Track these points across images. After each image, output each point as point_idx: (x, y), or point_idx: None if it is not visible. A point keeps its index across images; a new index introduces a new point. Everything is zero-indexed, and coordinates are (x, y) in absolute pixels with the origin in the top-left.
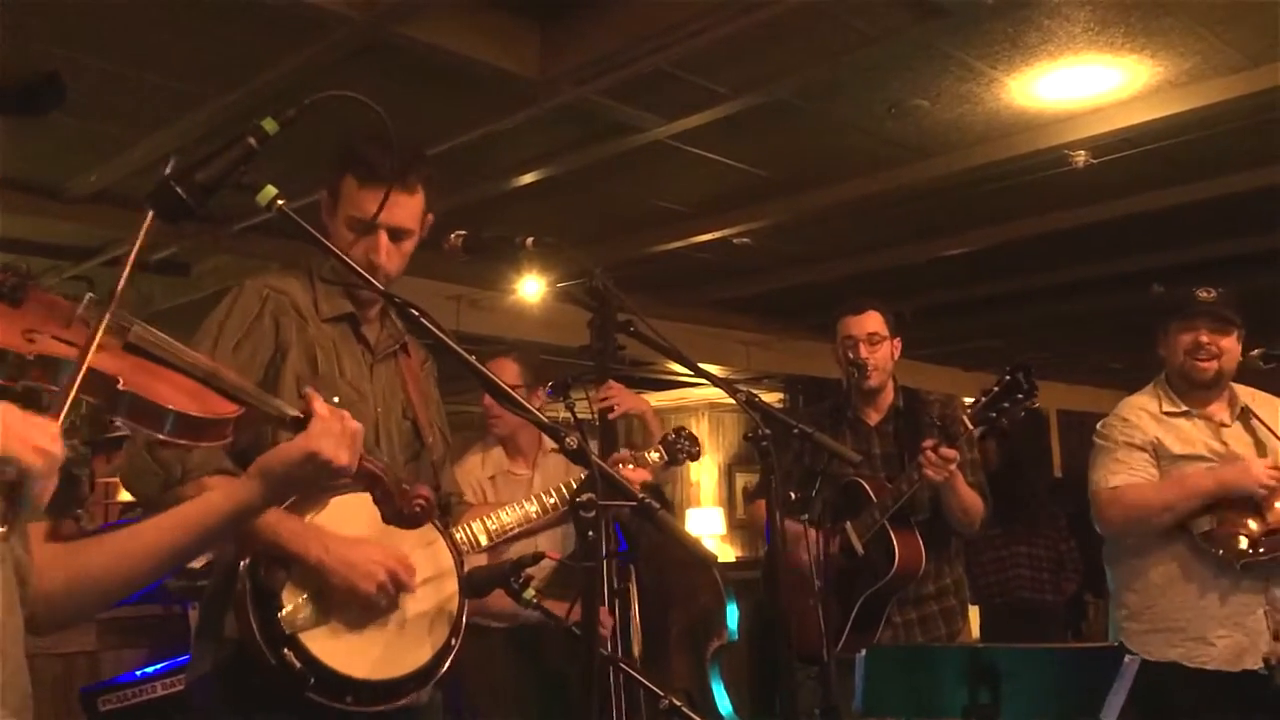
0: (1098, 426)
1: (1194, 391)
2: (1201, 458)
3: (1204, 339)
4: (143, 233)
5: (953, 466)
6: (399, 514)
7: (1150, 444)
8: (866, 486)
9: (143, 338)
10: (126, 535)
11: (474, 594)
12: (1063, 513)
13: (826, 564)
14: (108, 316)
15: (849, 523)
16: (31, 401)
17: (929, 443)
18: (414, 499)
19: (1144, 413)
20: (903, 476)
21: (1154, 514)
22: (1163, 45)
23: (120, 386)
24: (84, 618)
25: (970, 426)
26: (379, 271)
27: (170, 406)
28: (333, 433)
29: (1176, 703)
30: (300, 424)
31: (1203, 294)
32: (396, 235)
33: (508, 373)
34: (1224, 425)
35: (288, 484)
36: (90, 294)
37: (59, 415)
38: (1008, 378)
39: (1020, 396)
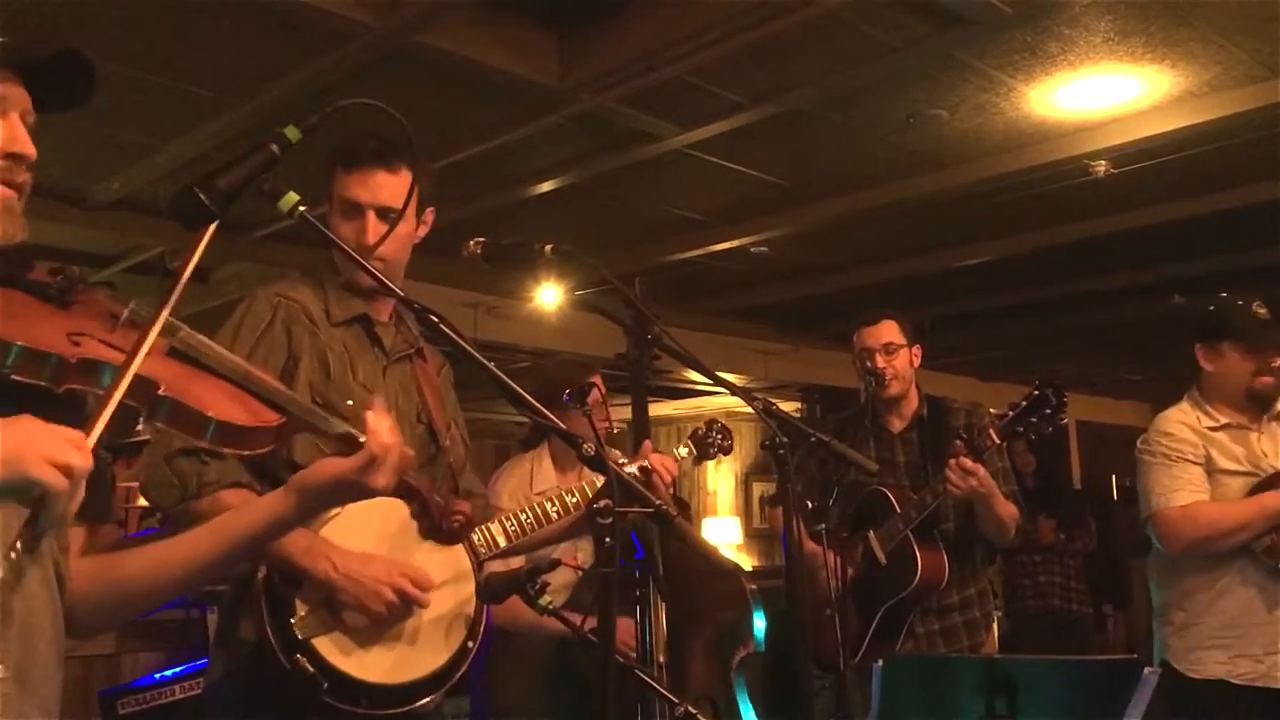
0: (1139, 444)
1: (1248, 408)
2: (1249, 473)
3: (1276, 363)
4: (204, 242)
5: (973, 481)
6: (437, 529)
7: (1202, 458)
8: (891, 496)
9: (188, 343)
10: (165, 545)
11: (490, 599)
12: (1092, 520)
13: (843, 573)
14: (159, 324)
15: (872, 533)
16: (74, 406)
17: (954, 455)
18: (453, 514)
19: (1186, 427)
20: (927, 489)
21: (1230, 533)
22: (1183, 55)
23: (161, 391)
24: (120, 622)
25: (996, 440)
26: (369, 253)
27: (211, 414)
28: (381, 465)
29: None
30: (349, 442)
31: (1262, 311)
32: (383, 215)
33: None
34: (1261, 433)
35: (326, 502)
36: (134, 303)
37: (95, 424)
38: (1036, 393)
39: (1049, 412)
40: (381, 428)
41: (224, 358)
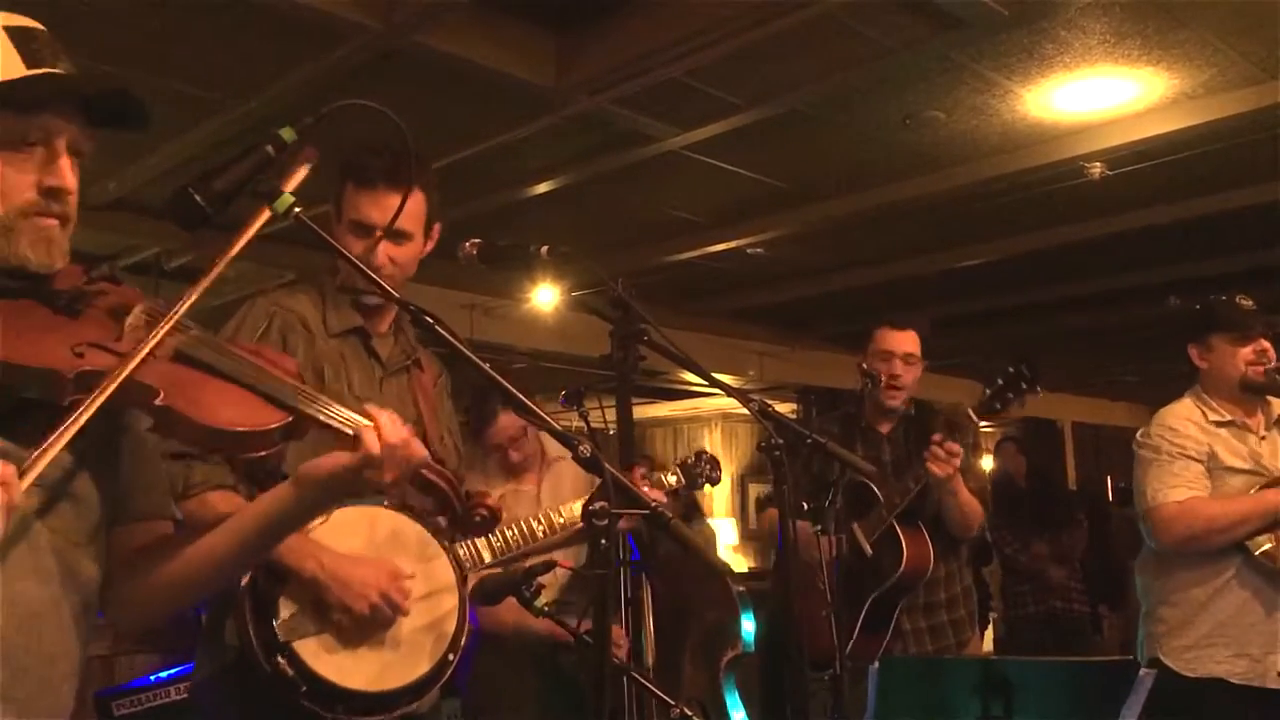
0: (1138, 437)
1: (1245, 400)
2: (1252, 471)
3: (1266, 346)
4: (244, 239)
5: (957, 462)
6: (460, 522)
7: (1205, 454)
8: (874, 487)
9: (197, 343)
10: (193, 547)
11: (485, 602)
12: (1085, 521)
13: (838, 573)
14: (152, 342)
15: (855, 524)
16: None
17: (937, 437)
18: (477, 507)
19: (1190, 423)
20: (909, 474)
21: (1227, 530)
22: (1179, 57)
23: (158, 401)
24: (159, 618)
25: (975, 419)
26: (381, 275)
27: (209, 423)
28: (382, 461)
29: (1216, 719)
30: (354, 442)
31: (1246, 302)
32: (396, 237)
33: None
34: (1262, 437)
35: (326, 495)
36: (141, 306)
37: (43, 453)
38: (1010, 370)
39: (1024, 387)
40: (385, 424)
41: (231, 357)
